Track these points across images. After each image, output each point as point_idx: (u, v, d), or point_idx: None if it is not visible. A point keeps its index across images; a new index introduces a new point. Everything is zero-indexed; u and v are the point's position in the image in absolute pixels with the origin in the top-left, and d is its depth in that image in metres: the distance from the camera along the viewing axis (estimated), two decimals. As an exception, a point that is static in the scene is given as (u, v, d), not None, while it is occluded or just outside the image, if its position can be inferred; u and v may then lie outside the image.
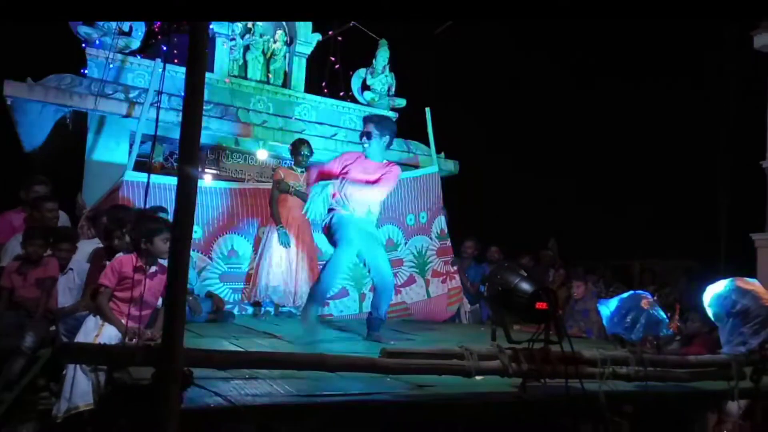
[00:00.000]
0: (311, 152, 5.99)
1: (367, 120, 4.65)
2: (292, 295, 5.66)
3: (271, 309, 5.86)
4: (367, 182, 4.44)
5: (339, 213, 4.43)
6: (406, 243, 6.55)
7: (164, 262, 3.98)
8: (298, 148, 5.93)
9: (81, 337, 3.56)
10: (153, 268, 3.69)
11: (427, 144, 7.22)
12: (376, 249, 4.47)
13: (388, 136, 4.56)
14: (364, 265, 4.56)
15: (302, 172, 5.90)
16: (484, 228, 9.04)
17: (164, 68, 5.27)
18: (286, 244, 5.63)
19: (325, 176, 4.58)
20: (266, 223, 5.94)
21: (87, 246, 5.03)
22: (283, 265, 5.64)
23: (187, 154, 2.03)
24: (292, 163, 6.04)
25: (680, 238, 12.76)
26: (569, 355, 2.80)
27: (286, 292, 5.64)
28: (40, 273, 4.68)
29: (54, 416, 3.48)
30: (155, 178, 5.88)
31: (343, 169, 4.53)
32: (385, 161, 4.62)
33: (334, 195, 4.51)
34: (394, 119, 7.29)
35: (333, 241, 4.47)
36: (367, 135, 4.53)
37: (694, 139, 13.14)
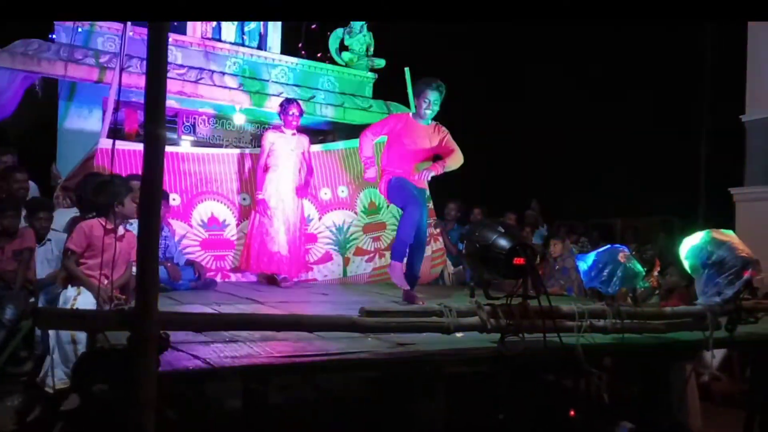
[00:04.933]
0: (301, 112, 5.76)
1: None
2: (284, 263, 5.58)
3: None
4: (431, 150, 4.82)
5: (396, 175, 4.74)
6: (387, 207, 6.53)
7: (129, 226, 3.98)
8: (287, 108, 5.68)
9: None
10: (121, 230, 3.70)
11: (408, 105, 7.13)
12: (421, 208, 4.76)
13: (423, 94, 4.72)
14: None
15: (293, 133, 5.71)
16: (466, 190, 9.03)
17: (125, 29, 5.09)
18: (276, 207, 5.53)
19: (375, 137, 4.93)
20: (245, 189, 5.85)
21: (64, 216, 4.97)
22: (281, 233, 5.54)
23: (152, 114, 1.98)
24: (283, 125, 5.75)
25: (661, 194, 12.89)
26: (547, 310, 2.82)
27: (277, 260, 5.56)
28: (16, 245, 4.61)
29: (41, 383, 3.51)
30: (129, 145, 5.78)
31: (391, 132, 4.81)
32: (432, 123, 4.85)
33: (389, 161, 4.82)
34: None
35: (397, 200, 4.84)
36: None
37: (674, 95, 13.16)
